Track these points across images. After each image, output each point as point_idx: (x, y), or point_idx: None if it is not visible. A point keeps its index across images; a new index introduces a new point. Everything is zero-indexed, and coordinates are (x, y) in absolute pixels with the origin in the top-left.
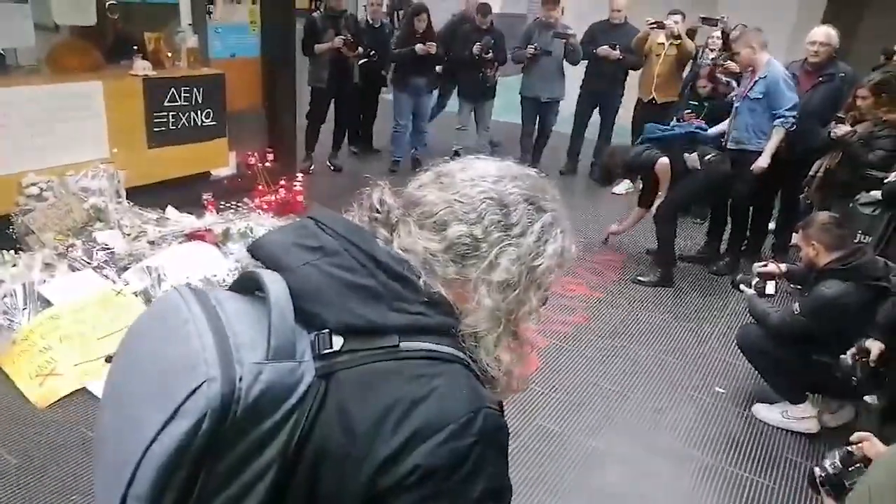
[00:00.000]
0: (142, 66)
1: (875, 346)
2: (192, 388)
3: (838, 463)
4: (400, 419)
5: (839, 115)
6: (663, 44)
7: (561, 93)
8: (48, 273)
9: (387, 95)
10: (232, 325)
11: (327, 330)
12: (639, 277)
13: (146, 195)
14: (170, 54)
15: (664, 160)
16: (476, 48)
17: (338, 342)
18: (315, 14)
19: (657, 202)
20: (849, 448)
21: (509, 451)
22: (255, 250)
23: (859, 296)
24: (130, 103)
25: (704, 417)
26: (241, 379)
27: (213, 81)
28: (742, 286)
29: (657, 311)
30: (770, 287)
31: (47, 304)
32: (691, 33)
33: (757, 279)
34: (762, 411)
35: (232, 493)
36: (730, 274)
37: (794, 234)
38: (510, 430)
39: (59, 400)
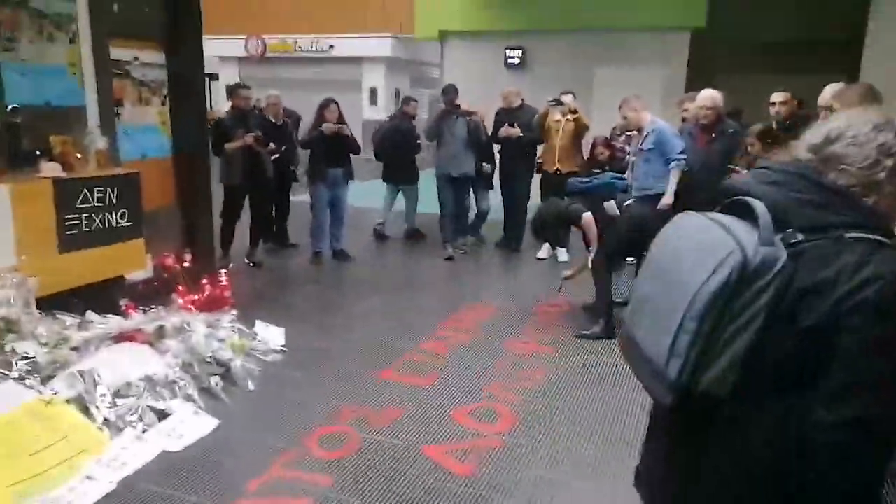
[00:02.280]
0: (50, 168)
1: None
2: (724, 255)
3: None
4: (852, 272)
5: (730, 166)
6: (560, 120)
7: (471, 170)
8: None
9: (300, 196)
10: (734, 228)
11: (791, 229)
12: (582, 332)
13: (57, 304)
14: (79, 156)
15: (587, 215)
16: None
17: (799, 237)
18: (224, 114)
19: (590, 256)
20: None
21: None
22: (729, 187)
23: None
24: (39, 206)
25: None
26: (748, 254)
27: (128, 181)
28: None
29: (607, 357)
30: None
31: None
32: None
33: None
34: None
35: (741, 321)
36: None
37: None
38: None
39: None
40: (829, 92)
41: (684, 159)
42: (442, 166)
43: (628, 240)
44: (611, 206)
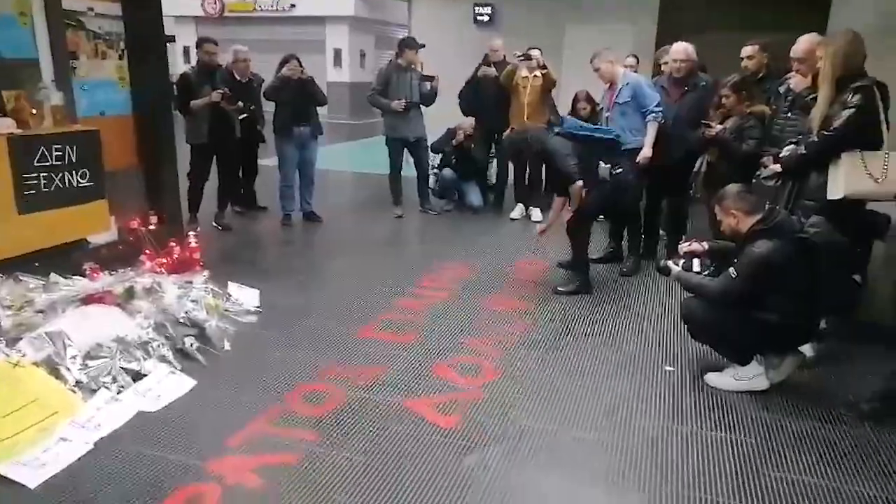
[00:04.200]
0: (4, 125)
1: None
2: None
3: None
4: None
5: (704, 121)
6: (528, 76)
7: (424, 132)
8: None
9: (265, 161)
10: None
11: None
12: (559, 288)
13: (17, 267)
14: (34, 112)
15: (580, 184)
16: None
17: None
18: (189, 70)
19: (567, 216)
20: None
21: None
22: None
23: (785, 249)
24: None
25: (665, 393)
26: None
27: (87, 138)
28: (669, 263)
29: (586, 311)
30: (696, 265)
31: None
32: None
33: (683, 259)
34: (714, 379)
35: None
36: (636, 273)
37: (682, 233)
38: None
39: None
40: (804, 43)
41: (661, 111)
42: (394, 128)
43: (608, 201)
44: (604, 169)
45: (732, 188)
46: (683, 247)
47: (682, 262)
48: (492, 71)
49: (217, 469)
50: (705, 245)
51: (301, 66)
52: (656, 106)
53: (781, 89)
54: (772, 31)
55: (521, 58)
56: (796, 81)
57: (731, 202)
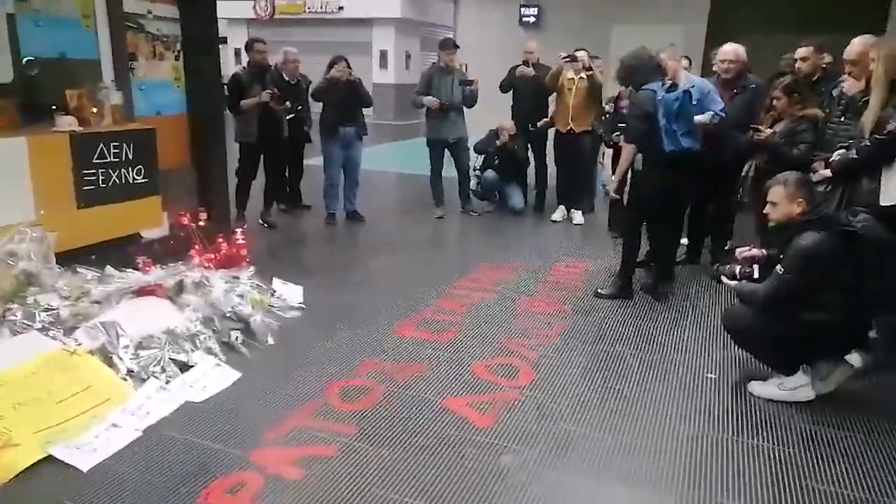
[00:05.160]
0: (67, 122)
1: None
2: None
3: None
4: None
5: (752, 125)
6: (573, 78)
7: (465, 133)
8: None
9: (311, 160)
10: None
11: None
12: (599, 291)
13: (74, 259)
14: (94, 111)
15: (632, 147)
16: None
17: None
18: (240, 70)
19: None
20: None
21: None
22: None
23: (833, 242)
24: (57, 161)
25: (704, 400)
26: None
27: (144, 137)
28: (724, 278)
29: (626, 316)
30: (756, 271)
31: None
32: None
33: (739, 266)
34: (758, 388)
35: None
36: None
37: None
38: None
39: (21, 473)
40: (857, 45)
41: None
42: (435, 130)
43: (659, 197)
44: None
45: (793, 175)
46: (743, 251)
47: (739, 268)
48: (529, 71)
49: (258, 459)
50: (763, 251)
51: (349, 67)
52: (722, 110)
53: (835, 93)
54: (828, 32)
55: (567, 59)
56: (849, 85)
57: (796, 189)
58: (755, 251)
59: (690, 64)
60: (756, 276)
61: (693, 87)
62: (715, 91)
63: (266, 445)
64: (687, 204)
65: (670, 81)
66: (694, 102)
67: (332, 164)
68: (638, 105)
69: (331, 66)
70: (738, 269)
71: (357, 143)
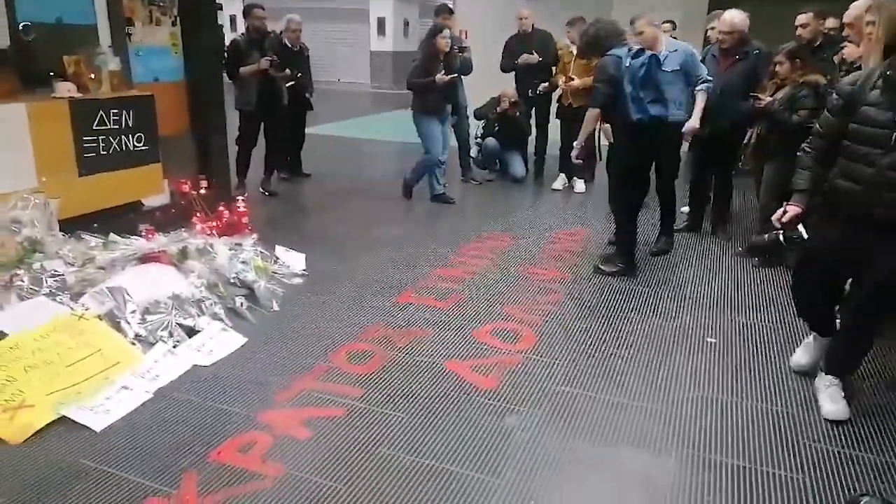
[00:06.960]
0: (66, 88)
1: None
2: None
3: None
4: None
5: (752, 94)
6: (572, 51)
7: (464, 100)
8: None
9: (312, 128)
10: None
11: None
12: (600, 267)
13: (77, 227)
14: (92, 77)
15: (596, 112)
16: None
17: None
18: (239, 37)
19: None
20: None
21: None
22: None
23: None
24: (57, 127)
25: (704, 363)
26: None
27: (143, 103)
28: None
29: (626, 283)
30: (802, 230)
31: (2, 335)
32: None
33: (782, 231)
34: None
35: None
36: (668, 252)
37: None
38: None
39: (35, 434)
40: (855, 9)
41: (712, 82)
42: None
43: (636, 156)
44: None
45: None
46: (779, 214)
47: (781, 233)
48: (533, 58)
49: (267, 420)
50: (800, 206)
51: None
52: (708, 76)
53: (836, 59)
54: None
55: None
56: (849, 51)
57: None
58: (793, 208)
59: (674, 27)
60: (805, 234)
61: (675, 51)
62: (697, 55)
63: (274, 407)
64: (675, 175)
65: (637, 47)
66: (669, 69)
67: (436, 141)
68: (602, 69)
69: (431, 36)
70: (780, 234)
71: (449, 118)
